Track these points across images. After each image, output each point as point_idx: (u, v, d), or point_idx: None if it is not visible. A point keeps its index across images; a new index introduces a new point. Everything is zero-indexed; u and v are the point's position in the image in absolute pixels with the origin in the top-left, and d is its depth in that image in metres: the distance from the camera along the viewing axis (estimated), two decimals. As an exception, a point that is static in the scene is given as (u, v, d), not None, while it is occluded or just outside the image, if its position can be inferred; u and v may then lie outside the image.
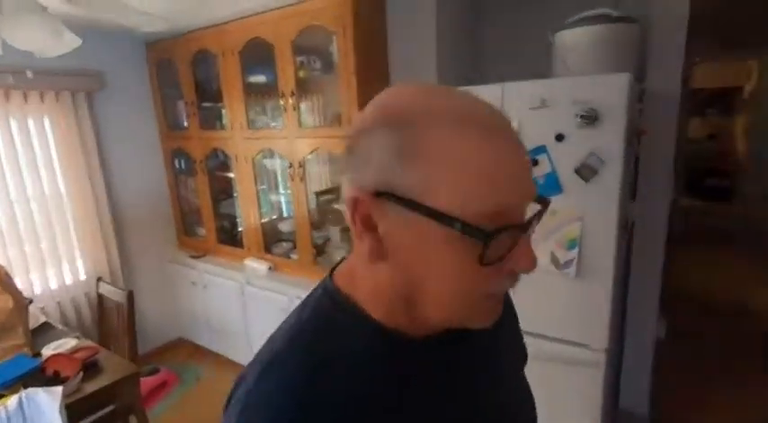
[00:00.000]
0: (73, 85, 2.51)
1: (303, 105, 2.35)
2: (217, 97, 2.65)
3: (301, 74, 2.24)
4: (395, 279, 0.43)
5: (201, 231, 3.08)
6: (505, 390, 0.58)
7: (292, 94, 2.20)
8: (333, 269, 0.53)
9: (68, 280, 2.66)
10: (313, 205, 2.47)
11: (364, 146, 0.41)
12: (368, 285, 0.46)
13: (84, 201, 2.63)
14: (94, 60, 2.59)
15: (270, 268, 2.60)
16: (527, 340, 0.69)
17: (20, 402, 1.42)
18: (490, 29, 2.35)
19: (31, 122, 2.43)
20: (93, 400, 1.62)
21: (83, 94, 2.57)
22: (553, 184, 1.53)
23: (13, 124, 2.36)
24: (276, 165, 2.75)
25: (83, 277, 2.72)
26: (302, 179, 2.32)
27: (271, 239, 2.73)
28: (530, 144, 1.55)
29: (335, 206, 2.49)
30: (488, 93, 1.61)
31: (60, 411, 1.40)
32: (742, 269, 4.14)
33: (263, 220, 2.69)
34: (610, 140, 1.46)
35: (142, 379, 2.09)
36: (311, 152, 2.28)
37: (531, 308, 1.20)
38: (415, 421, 0.46)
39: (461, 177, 0.37)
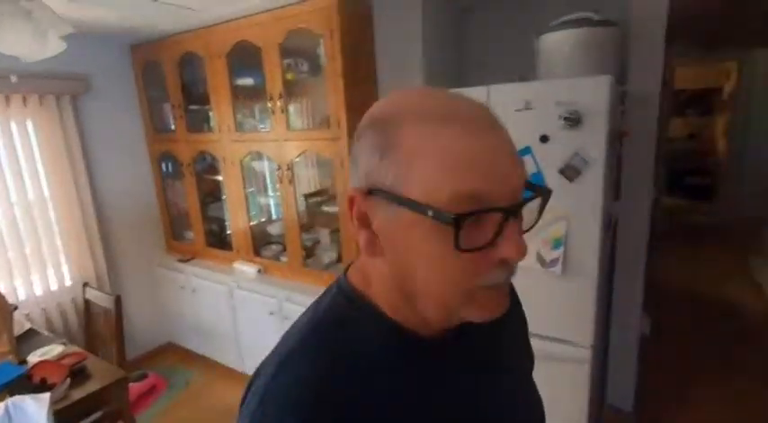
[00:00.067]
0: (57, 88, 2.48)
1: (291, 108, 2.36)
2: (204, 100, 2.64)
3: (289, 76, 2.25)
4: (392, 273, 0.45)
5: (190, 235, 3.06)
6: (513, 394, 0.59)
7: (280, 96, 2.21)
8: (347, 268, 0.54)
9: (54, 286, 2.62)
10: (302, 207, 2.48)
11: (357, 149, 0.45)
12: (378, 282, 0.48)
13: (70, 205, 2.60)
14: (79, 63, 2.56)
15: (259, 271, 2.60)
16: None
17: (6, 410, 1.40)
18: (476, 32, 2.38)
19: (13, 126, 2.39)
20: (81, 406, 1.60)
21: (67, 97, 2.53)
22: (538, 184, 1.56)
23: (-4, 128, 2.33)
24: (265, 167, 2.75)
25: (68, 283, 2.68)
26: (291, 181, 2.32)
27: (260, 242, 2.73)
28: (515, 145, 1.58)
29: (325, 208, 2.50)
30: (474, 95, 1.60)
31: (48, 418, 1.39)
32: (723, 266, 4.25)
33: (251, 223, 2.68)
34: (593, 141, 1.49)
35: (130, 384, 2.08)
36: (299, 154, 2.29)
37: (517, 306, 1.22)
38: (424, 418, 0.47)
39: (430, 167, 0.39)
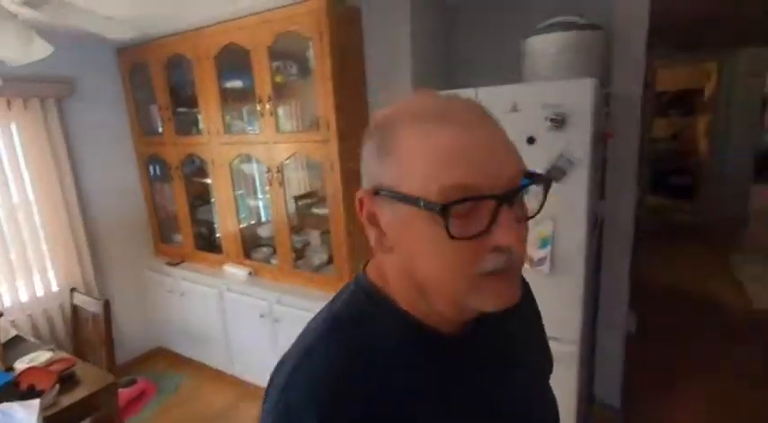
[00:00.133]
0: (42, 91, 2.45)
1: (281, 110, 2.36)
2: (192, 102, 2.62)
3: (278, 79, 2.25)
4: (401, 267, 0.48)
5: (178, 238, 3.04)
6: (528, 389, 0.60)
7: (269, 99, 2.21)
8: (365, 265, 0.57)
9: (40, 292, 2.58)
10: (292, 209, 2.48)
11: (363, 153, 0.49)
12: (393, 278, 0.51)
13: (56, 209, 2.57)
14: (64, 66, 2.53)
15: (249, 273, 2.59)
16: None
17: (-6, 418, 1.38)
18: (463, 35, 2.41)
19: (-3, 130, 2.36)
20: (70, 412, 1.59)
21: (52, 100, 2.50)
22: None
23: (-21, 132, 2.29)
24: (254, 170, 2.74)
25: (55, 288, 2.65)
26: (281, 184, 2.32)
27: (250, 245, 2.72)
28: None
29: (315, 210, 2.51)
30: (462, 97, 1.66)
31: (37, 425, 1.37)
32: (706, 264, 4.34)
33: (241, 226, 2.67)
34: (578, 143, 1.53)
35: (119, 390, 2.05)
36: (289, 157, 2.29)
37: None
38: (441, 413, 0.49)
39: (423, 163, 0.43)
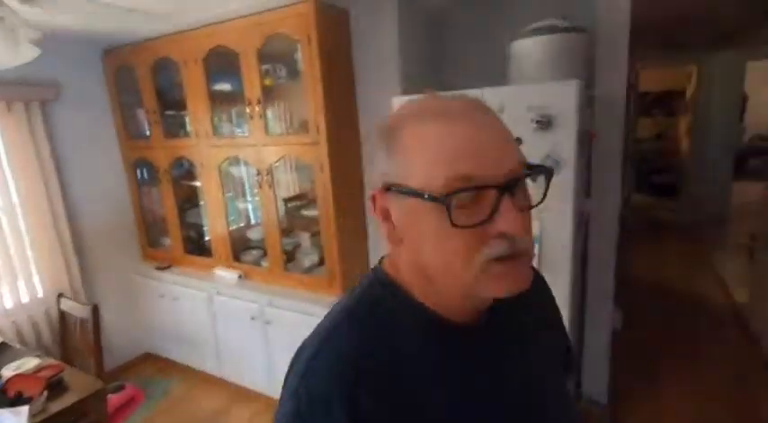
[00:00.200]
0: (26, 94, 2.42)
1: (270, 113, 2.36)
2: (180, 105, 2.61)
3: (267, 82, 2.26)
4: (411, 257, 0.52)
5: (167, 242, 3.02)
6: (542, 386, 0.60)
7: (258, 101, 2.21)
8: (381, 259, 0.60)
9: (25, 298, 2.54)
10: (282, 212, 2.48)
11: (373, 154, 0.52)
12: (406, 270, 0.54)
13: (41, 214, 2.53)
14: (49, 69, 2.50)
15: (240, 276, 2.59)
16: None
17: (-19, 426, 1.36)
18: (451, 38, 2.44)
19: (-21, 134, 2.32)
20: (59, 419, 1.57)
21: (37, 103, 2.47)
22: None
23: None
24: (243, 172, 2.74)
25: (41, 294, 2.60)
26: (270, 186, 2.32)
27: (240, 247, 2.72)
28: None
29: (305, 212, 2.51)
30: (450, 99, 1.68)
31: (26, 432, 1.36)
32: (689, 261, 4.44)
33: (231, 229, 2.66)
34: (563, 143, 1.56)
35: (108, 396, 2.03)
36: (279, 159, 2.29)
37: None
38: (452, 397, 0.51)
39: (426, 159, 0.46)
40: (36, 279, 2.60)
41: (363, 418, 0.47)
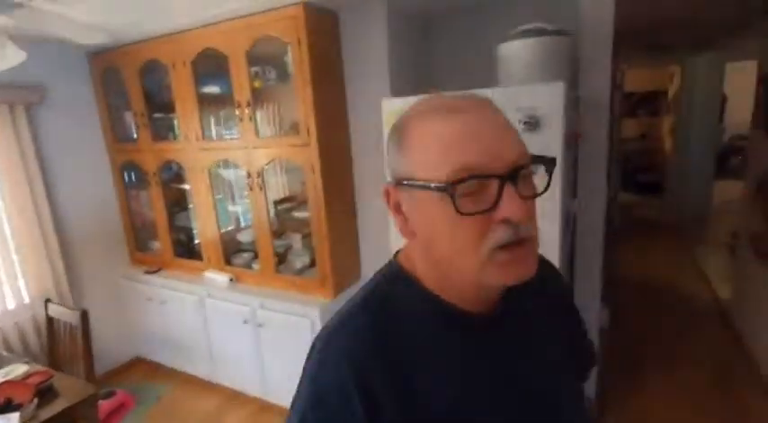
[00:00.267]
0: (10, 97, 2.38)
1: (260, 115, 2.36)
2: (168, 108, 2.60)
3: (257, 84, 2.26)
4: (422, 247, 0.55)
5: (156, 245, 2.99)
6: (551, 379, 0.61)
7: (248, 104, 2.21)
8: (397, 252, 0.63)
9: (11, 304, 2.50)
10: (272, 214, 2.48)
11: (387, 153, 0.56)
12: (419, 262, 0.57)
13: (26, 218, 2.49)
14: (33, 72, 2.47)
15: (231, 279, 2.58)
16: None
17: (-30, 434, 1.34)
18: (440, 41, 2.47)
19: (-37, 138, 2.28)
20: (50, 425, 1.55)
21: (21, 106, 2.44)
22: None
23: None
24: (234, 175, 2.73)
25: (27, 300, 2.57)
26: (261, 188, 2.32)
27: (230, 250, 2.71)
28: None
29: (296, 214, 2.52)
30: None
31: (16, 439, 1.34)
32: (673, 257, 4.53)
33: (221, 231, 2.65)
34: (550, 143, 1.59)
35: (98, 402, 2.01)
36: (269, 161, 2.30)
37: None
38: (463, 381, 0.54)
39: (431, 152, 0.49)
40: (22, 284, 2.56)
41: (378, 403, 0.49)
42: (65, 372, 2.03)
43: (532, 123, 1.57)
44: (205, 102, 2.50)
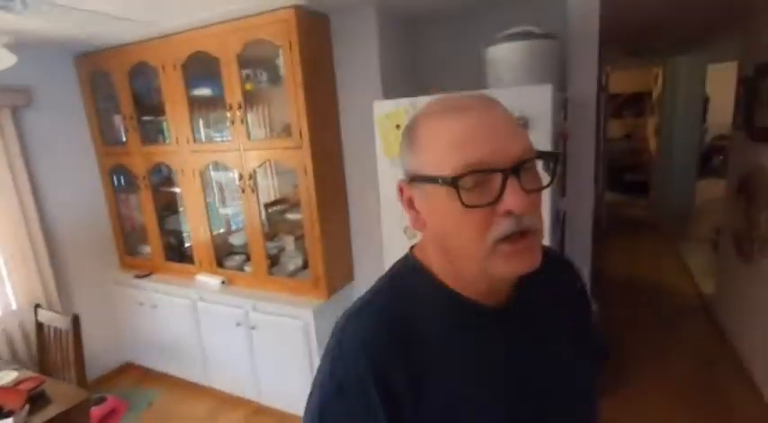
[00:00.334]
0: (-4, 101, 2.35)
1: (251, 118, 2.36)
2: (158, 111, 2.58)
3: (248, 87, 2.26)
4: (435, 240, 0.58)
5: (146, 249, 2.97)
6: (560, 372, 0.61)
7: (240, 106, 2.21)
8: (412, 246, 0.66)
9: (-2, 310, 2.47)
10: (264, 216, 2.48)
11: (401, 152, 0.58)
12: (433, 256, 0.60)
13: (13, 224, 2.46)
14: (19, 75, 2.41)
15: (223, 282, 2.57)
16: None
17: (-39, 441, 1.33)
18: (430, 43, 2.50)
19: (-53, 142, 2.24)
20: (42, 431, 1.54)
21: (7, 110, 2.40)
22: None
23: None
24: (225, 177, 2.72)
25: (14, 307, 2.53)
26: (254, 190, 2.32)
27: (222, 253, 2.70)
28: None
29: (289, 216, 2.52)
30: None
31: (9, 446, 1.33)
32: (659, 254, 4.62)
33: (213, 234, 2.64)
34: (539, 144, 1.62)
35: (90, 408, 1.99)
36: (261, 164, 2.30)
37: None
38: (476, 370, 0.56)
39: (438, 149, 0.52)
40: (9, 290, 2.52)
41: (394, 390, 0.52)
42: (55, 378, 2.01)
43: (521, 124, 1.60)
44: (196, 104, 2.49)
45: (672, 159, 5.50)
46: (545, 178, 0.56)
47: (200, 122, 2.57)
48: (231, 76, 2.19)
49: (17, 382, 1.69)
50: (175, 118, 2.47)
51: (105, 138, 2.85)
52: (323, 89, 2.20)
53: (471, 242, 0.51)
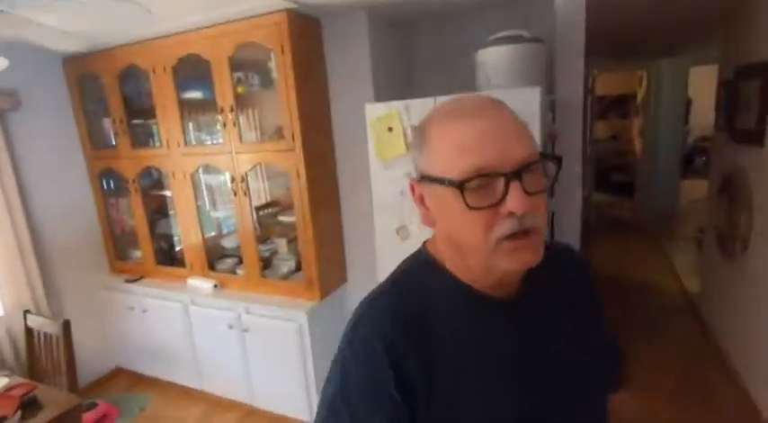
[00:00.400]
0: (-17, 104, 2.32)
1: (243, 120, 2.36)
2: (148, 114, 2.57)
3: (239, 89, 2.26)
4: (444, 236, 0.61)
5: (136, 254, 2.94)
6: (572, 369, 0.63)
7: (231, 109, 2.21)
8: (425, 242, 0.69)
9: (-15, 317, 2.43)
10: (256, 219, 2.48)
11: (412, 152, 0.62)
12: (444, 251, 0.63)
13: (1, 229, 2.42)
14: (6, 78, 2.39)
15: (215, 286, 2.56)
16: None
17: (-49, 449, 1.31)
18: (420, 47, 2.53)
19: (-67, 146, 2.21)
20: (34, 438, 1.52)
21: (-6, 113, 2.38)
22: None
23: None
24: (217, 180, 2.71)
25: (1, 312, 2.49)
26: (246, 193, 2.33)
27: (214, 256, 2.69)
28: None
29: (281, 218, 2.52)
30: (422, 105, 1.76)
31: (1, 452, 1.32)
32: (645, 253, 4.70)
33: (204, 237, 2.63)
34: (529, 145, 1.66)
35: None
36: (253, 167, 2.30)
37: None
38: (484, 359, 0.59)
39: (445, 152, 0.55)
40: (-4, 296, 2.48)
41: (407, 375, 0.55)
42: (45, 383, 1.98)
43: (512, 126, 1.63)
44: (187, 107, 2.49)
45: (656, 160, 5.61)
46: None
47: (191, 126, 2.56)
48: (223, 79, 2.19)
49: (9, 388, 1.67)
50: (166, 121, 2.46)
51: (94, 141, 2.82)
52: (315, 92, 2.21)
53: (476, 239, 0.55)
